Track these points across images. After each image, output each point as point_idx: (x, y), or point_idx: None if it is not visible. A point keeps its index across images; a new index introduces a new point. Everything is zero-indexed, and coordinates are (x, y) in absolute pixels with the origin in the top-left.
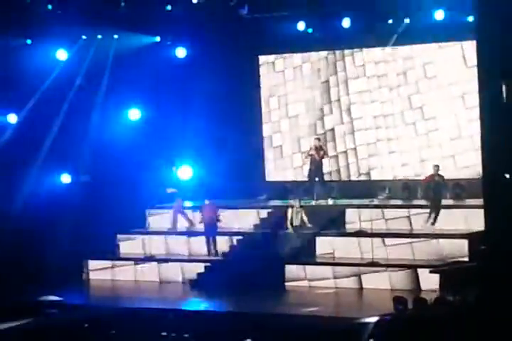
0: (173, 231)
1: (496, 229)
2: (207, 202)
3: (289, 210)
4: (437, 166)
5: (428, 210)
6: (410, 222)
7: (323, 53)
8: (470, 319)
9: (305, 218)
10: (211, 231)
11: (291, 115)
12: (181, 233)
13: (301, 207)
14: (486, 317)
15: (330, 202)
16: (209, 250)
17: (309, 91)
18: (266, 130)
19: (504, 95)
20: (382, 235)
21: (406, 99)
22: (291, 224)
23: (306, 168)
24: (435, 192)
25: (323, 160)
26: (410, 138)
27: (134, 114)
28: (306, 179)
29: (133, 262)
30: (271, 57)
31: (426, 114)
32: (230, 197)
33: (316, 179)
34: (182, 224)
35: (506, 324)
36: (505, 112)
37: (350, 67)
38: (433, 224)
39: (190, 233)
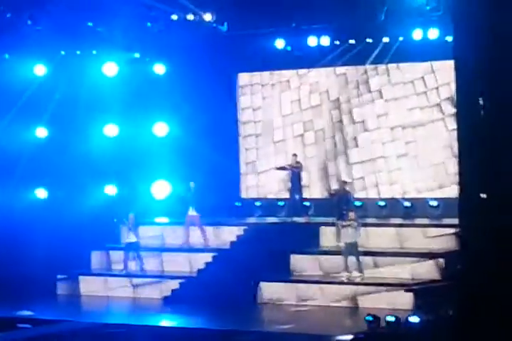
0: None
1: (471, 248)
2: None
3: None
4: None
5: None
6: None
7: (302, 71)
8: (443, 335)
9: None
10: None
11: (267, 132)
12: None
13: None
14: (460, 335)
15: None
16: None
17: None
18: (242, 147)
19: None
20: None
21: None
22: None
23: (283, 185)
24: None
25: (301, 175)
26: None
27: (111, 129)
28: (281, 197)
29: (105, 277)
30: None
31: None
32: (207, 214)
33: (297, 196)
34: (194, 239)
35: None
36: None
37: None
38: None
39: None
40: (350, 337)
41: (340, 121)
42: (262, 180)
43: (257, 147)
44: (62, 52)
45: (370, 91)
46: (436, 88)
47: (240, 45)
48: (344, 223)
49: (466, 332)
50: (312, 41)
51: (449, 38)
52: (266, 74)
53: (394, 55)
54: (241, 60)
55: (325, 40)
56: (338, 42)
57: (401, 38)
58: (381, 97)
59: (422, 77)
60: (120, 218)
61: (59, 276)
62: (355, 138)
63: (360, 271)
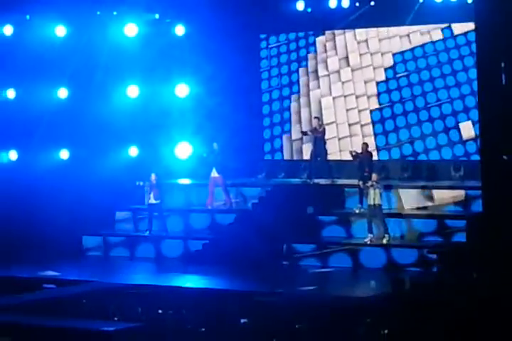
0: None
1: (494, 210)
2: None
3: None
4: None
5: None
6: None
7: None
8: (469, 299)
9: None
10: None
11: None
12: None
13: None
14: (484, 298)
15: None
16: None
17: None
18: (266, 109)
19: (503, 77)
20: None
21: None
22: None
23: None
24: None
25: (325, 138)
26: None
27: (133, 90)
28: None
29: (129, 238)
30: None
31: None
32: (229, 175)
33: (318, 158)
34: (217, 201)
35: (504, 303)
36: (504, 95)
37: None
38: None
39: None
40: (373, 298)
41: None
42: (286, 142)
43: (281, 110)
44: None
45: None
46: None
47: (259, 6)
48: (367, 185)
49: (488, 296)
50: (332, 3)
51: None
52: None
53: (414, 16)
54: (261, 21)
55: (345, 2)
56: (358, 4)
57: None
58: None
59: None
60: (143, 179)
61: (84, 237)
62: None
63: (386, 232)
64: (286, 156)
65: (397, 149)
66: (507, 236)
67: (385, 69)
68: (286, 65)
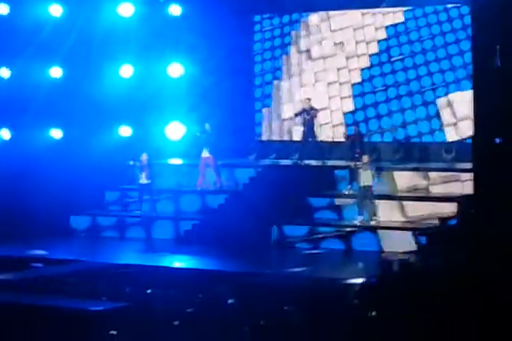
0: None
1: (485, 192)
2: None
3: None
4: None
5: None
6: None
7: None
8: (458, 282)
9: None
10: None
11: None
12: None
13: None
14: (473, 280)
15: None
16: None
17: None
18: (258, 91)
19: (498, 60)
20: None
21: None
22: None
23: (298, 129)
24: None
25: (316, 120)
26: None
27: (126, 70)
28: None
29: (119, 218)
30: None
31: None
32: (220, 156)
33: (309, 139)
34: (208, 181)
35: (493, 285)
36: (498, 78)
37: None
38: None
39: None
40: (362, 280)
41: None
42: (278, 123)
43: (272, 92)
44: None
45: None
46: None
47: None
48: (358, 166)
49: (475, 278)
50: None
51: None
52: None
53: None
54: (256, 1)
55: None
56: None
57: None
58: None
59: None
60: (134, 159)
61: (72, 216)
62: None
63: (374, 214)
64: (276, 137)
65: (389, 133)
66: (496, 218)
67: (378, 54)
68: (279, 49)
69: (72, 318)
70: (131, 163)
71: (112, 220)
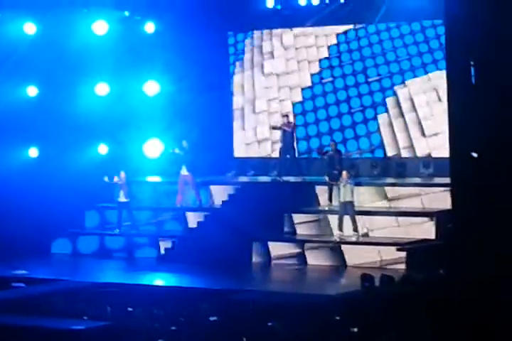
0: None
1: (463, 207)
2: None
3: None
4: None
5: None
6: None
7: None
8: (436, 297)
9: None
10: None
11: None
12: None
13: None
14: (452, 295)
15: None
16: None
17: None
18: (236, 106)
19: (472, 76)
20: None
21: None
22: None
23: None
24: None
25: (294, 135)
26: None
27: (102, 88)
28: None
29: (99, 237)
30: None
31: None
32: (198, 173)
33: (287, 156)
34: (187, 199)
35: (471, 302)
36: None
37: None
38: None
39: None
40: (342, 295)
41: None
42: (255, 139)
43: (249, 108)
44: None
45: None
46: None
47: (230, 4)
48: (337, 182)
49: (456, 291)
50: (302, 0)
51: None
52: (257, 33)
53: (384, 14)
54: (231, 18)
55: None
56: (328, 1)
57: None
58: None
59: None
60: (111, 176)
61: (53, 236)
62: None
63: (355, 230)
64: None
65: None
66: (475, 234)
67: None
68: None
69: (54, 338)
70: (106, 179)
71: (91, 238)
